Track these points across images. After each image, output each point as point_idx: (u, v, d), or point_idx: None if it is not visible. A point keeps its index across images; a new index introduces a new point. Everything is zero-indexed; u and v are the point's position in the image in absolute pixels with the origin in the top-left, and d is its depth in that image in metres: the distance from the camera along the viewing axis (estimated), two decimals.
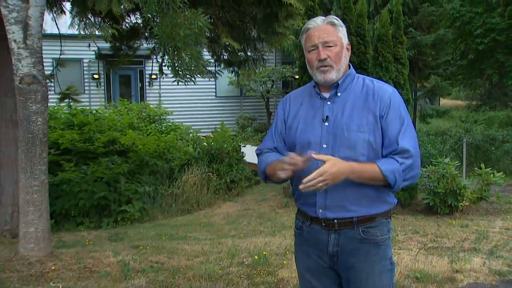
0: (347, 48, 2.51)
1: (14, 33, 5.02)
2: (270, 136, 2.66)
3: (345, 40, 2.49)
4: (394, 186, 2.34)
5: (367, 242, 2.42)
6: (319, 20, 2.49)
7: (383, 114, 2.38)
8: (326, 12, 17.65)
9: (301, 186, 2.29)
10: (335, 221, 2.43)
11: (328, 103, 2.48)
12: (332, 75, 2.44)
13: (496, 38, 21.69)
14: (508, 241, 6.39)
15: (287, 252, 5.92)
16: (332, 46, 2.43)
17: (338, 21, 2.50)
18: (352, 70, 2.55)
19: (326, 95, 2.51)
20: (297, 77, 15.27)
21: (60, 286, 4.59)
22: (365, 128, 2.37)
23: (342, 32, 2.48)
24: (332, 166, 2.26)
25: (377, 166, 2.33)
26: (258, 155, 2.71)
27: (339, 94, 2.48)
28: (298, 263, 2.71)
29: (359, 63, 10.71)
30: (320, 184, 2.25)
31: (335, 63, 2.44)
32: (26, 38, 5.04)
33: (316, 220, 2.48)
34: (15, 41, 5.04)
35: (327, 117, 2.44)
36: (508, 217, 8.29)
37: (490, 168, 9.22)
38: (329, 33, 2.44)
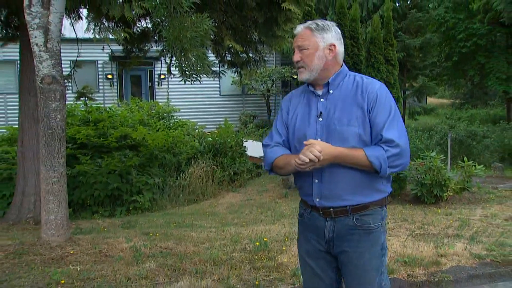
0: (330, 49, 2.48)
1: (36, 37, 5.03)
2: (276, 131, 2.66)
3: (322, 43, 2.47)
4: (380, 171, 2.34)
5: (360, 228, 2.44)
6: (300, 26, 2.53)
7: (370, 108, 2.38)
8: (322, 17, 17.62)
9: (295, 164, 2.35)
10: (331, 209, 2.46)
11: (322, 100, 2.51)
12: (305, 75, 2.50)
13: (477, 42, 21.75)
14: (487, 227, 6.41)
15: (286, 239, 5.93)
16: (304, 49, 2.47)
17: (320, 26, 2.49)
18: (344, 68, 2.55)
19: (320, 92, 2.53)
20: (295, 77, 15.28)
21: (78, 269, 4.61)
22: (355, 122, 2.39)
23: (319, 36, 2.47)
24: (324, 148, 2.33)
25: (363, 151, 2.34)
26: (265, 147, 2.68)
27: (331, 91, 2.50)
28: (299, 247, 2.75)
29: (352, 64, 10.72)
30: (309, 164, 2.30)
31: (307, 65, 2.48)
32: (46, 42, 5.05)
33: (315, 208, 2.52)
34: (37, 44, 5.05)
35: (320, 113, 2.48)
36: (487, 206, 8.31)
37: (472, 161, 9.24)
38: (304, 38, 2.48)
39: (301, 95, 2.63)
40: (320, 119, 2.46)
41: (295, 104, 2.63)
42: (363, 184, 2.43)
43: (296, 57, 2.49)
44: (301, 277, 4.23)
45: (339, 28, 2.59)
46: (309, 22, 2.53)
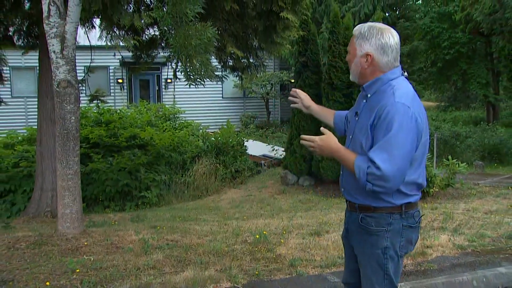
0: (366, 58, 2.36)
1: (54, 45, 5.04)
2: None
3: (359, 51, 2.37)
4: (359, 180, 2.25)
5: (362, 228, 2.40)
6: (355, 29, 2.47)
7: (375, 123, 2.25)
8: (318, 25, 17.63)
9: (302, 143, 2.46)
10: (348, 202, 2.53)
11: (364, 101, 2.46)
12: (351, 76, 2.52)
13: (460, 50, 21.88)
14: (468, 220, 6.42)
15: (284, 232, 5.94)
16: (348, 53, 2.48)
17: (362, 33, 2.38)
18: (386, 76, 2.36)
19: (365, 94, 2.48)
20: (293, 81, 15.27)
21: (92, 259, 4.62)
22: (363, 131, 2.33)
23: (358, 44, 2.38)
24: (322, 139, 2.38)
25: (354, 156, 2.29)
26: None
27: (369, 95, 2.42)
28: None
29: (346, 69, 10.69)
30: (309, 148, 2.43)
31: (350, 67, 2.48)
32: (63, 49, 5.06)
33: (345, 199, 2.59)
34: (54, 52, 5.06)
35: (356, 112, 2.48)
36: (469, 200, 8.32)
37: (455, 160, 9.26)
38: (350, 42, 2.46)
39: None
40: (357, 118, 2.45)
41: (358, 97, 2.63)
42: (362, 187, 2.30)
43: (347, 57, 2.50)
44: (297, 269, 4.24)
45: (391, 36, 2.36)
46: (360, 26, 2.43)
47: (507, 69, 19.26)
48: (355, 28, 2.44)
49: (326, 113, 2.91)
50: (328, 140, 2.37)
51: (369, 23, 2.43)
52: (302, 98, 2.89)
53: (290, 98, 2.99)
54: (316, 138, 2.39)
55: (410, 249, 2.44)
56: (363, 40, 2.35)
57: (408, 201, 2.35)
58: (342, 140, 2.34)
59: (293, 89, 2.97)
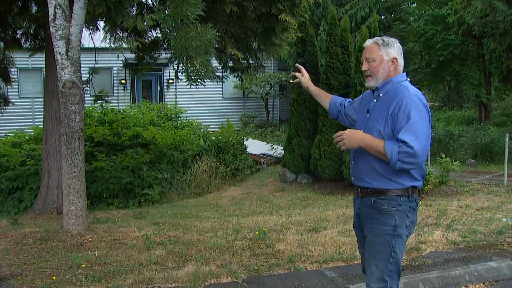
0: (392, 61, 2.69)
1: (59, 47, 5.04)
2: (351, 102, 3.09)
3: (387, 56, 2.68)
4: (390, 160, 2.50)
5: (375, 209, 2.64)
6: (369, 41, 2.76)
7: (395, 112, 2.55)
8: (316, 27, 17.60)
9: (334, 141, 2.69)
10: (359, 189, 2.75)
11: (374, 100, 2.76)
12: (371, 83, 2.75)
13: (453, 52, 21.89)
14: (461, 217, 6.42)
15: (283, 229, 5.94)
16: (371, 61, 2.71)
17: (385, 42, 2.70)
18: (398, 77, 2.71)
19: (376, 94, 2.78)
20: (291, 81, 15.27)
21: (96, 254, 4.63)
22: (381, 120, 2.62)
23: (384, 51, 2.69)
24: (350, 131, 2.65)
25: (383, 142, 2.54)
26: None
27: (381, 95, 2.73)
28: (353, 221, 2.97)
29: (343, 70, 10.70)
30: (340, 142, 2.63)
31: (373, 74, 2.72)
32: (68, 51, 5.05)
33: (355, 186, 2.82)
34: (59, 53, 5.06)
35: (368, 110, 2.77)
36: (462, 197, 8.31)
37: (449, 158, 9.25)
38: (371, 51, 2.71)
39: (369, 95, 2.88)
40: (368, 115, 2.75)
41: (366, 98, 2.90)
42: (378, 170, 2.62)
43: (365, 67, 2.74)
44: (295, 264, 4.24)
45: (400, 44, 2.76)
46: (377, 38, 2.76)
47: (498, 71, 19.22)
48: (372, 40, 2.74)
49: (322, 96, 3.22)
50: (354, 131, 2.68)
51: (380, 37, 2.77)
52: (304, 77, 3.17)
53: (293, 73, 3.30)
54: (345, 131, 2.63)
55: (412, 230, 2.71)
56: (388, 47, 2.69)
57: (415, 185, 2.63)
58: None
59: (298, 64, 3.28)
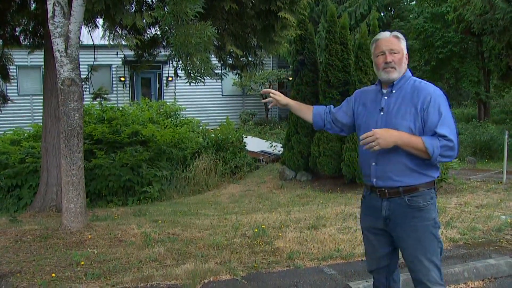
0: (406, 57, 2.70)
1: (58, 44, 5.03)
2: (339, 107, 2.97)
3: (404, 51, 2.69)
4: (432, 156, 2.47)
5: (412, 207, 2.59)
6: (387, 34, 2.72)
7: (425, 107, 2.53)
8: (315, 25, 17.58)
9: (360, 143, 2.57)
10: (386, 190, 2.64)
11: (385, 97, 2.70)
12: (395, 75, 2.66)
13: (452, 49, 21.85)
14: (460, 214, 6.42)
15: (282, 226, 5.94)
16: (396, 53, 2.66)
17: (401, 36, 2.71)
18: (408, 73, 2.71)
19: (385, 91, 2.72)
20: (290, 79, 15.27)
21: (96, 252, 4.63)
22: (408, 116, 2.56)
23: (403, 44, 2.69)
24: (383, 130, 2.53)
25: (421, 138, 2.50)
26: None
27: (393, 91, 2.68)
28: (361, 223, 2.90)
29: (343, 67, 10.69)
30: (373, 143, 2.49)
31: (397, 66, 2.65)
32: (67, 48, 5.04)
33: (373, 189, 2.71)
34: (58, 51, 5.05)
35: (382, 108, 2.68)
36: (461, 195, 8.31)
37: None
38: (394, 43, 2.67)
39: (370, 92, 2.83)
40: (382, 113, 2.67)
41: (364, 98, 2.83)
42: (409, 167, 2.57)
43: (390, 58, 2.65)
44: (294, 261, 4.23)
45: None
46: (394, 31, 2.74)
47: (497, 68, 19.23)
48: (391, 33, 2.72)
49: (304, 109, 3.05)
50: (387, 129, 2.55)
51: (393, 31, 2.75)
52: (278, 99, 2.97)
53: (264, 101, 3.15)
54: (377, 130, 2.53)
55: None
56: (404, 42, 2.71)
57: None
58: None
59: (264, 90, 3.13)
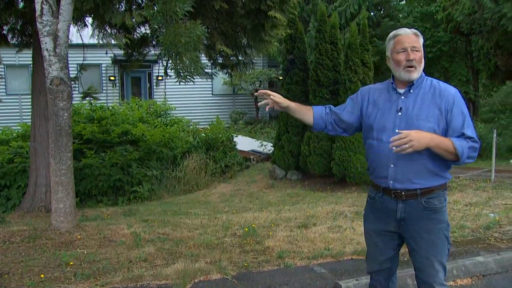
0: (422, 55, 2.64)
1: (47, 43, 4.99)
2: (341, 107, 2.84)
3: (422, 50, 2.63)
4: (461, 157, 2.45)
5: (428, 209, 2.57)
6: (408, 30, 2.63)
7: (448, 109, 2.51)
8: (305, 24, 17.61)
9: (390, 145, 2.43)
10: (403, 192, 2.57)
11: (402, 97, 2.61)
12: (416, 75, 2.58)
13: (441, 49, 22.02)
14: (450, 212, 6.40)
15: (272, 225, 5.95)
16: (417, 51, 2.58)
17: (420, 34, 2.65)
18: (423, 73, 2.64)
19: (401, 90, 2.63)
20: (280, 78, 15.25)
21: (85, 252, 4.61)
22: (431, 118, 2.51)
23: (421, 42, 2.63)
24: (416, 132, 2.42)
25: (450, 140, 2.46)
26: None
27: (411, 91, 2.60)
28: (368, 224, 2.83)
29: (333, 66, 10.71)
30: (406, 145, 2.37)
31: (418, 65, 2.58)
32: (55, 47, 5.01)
33: (387, 191, 2.63)
34: (47, 50, 5.01)
35: (400, 108, 2.58)
36: (450, 193, 8.29)
37: None
38: (414, 41, 2.59)
39: (380, 91, 2.73)
40: (400, 113, 2.57)
41: (373, 97, 2.72)
42: (431, 169, 2.54)
43: (412, 55, 2.56)
44: (285, 260, 4.25)
45: None
46: (412, 29, 2.66)
47: (486, 67, 19.42)
48: (410, 30, 2.63)
49: (304, 111, 2.83)
50: (419, 131, 2.44)
51: (411, 28, 2.67)
52: (278, 101, 2.74)
53: (260, 104, 2.92)
54: (410, 132, 2.41)
55: None
56: (422, 40, 2.65)
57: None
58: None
59: (260, 91, 2.83)
